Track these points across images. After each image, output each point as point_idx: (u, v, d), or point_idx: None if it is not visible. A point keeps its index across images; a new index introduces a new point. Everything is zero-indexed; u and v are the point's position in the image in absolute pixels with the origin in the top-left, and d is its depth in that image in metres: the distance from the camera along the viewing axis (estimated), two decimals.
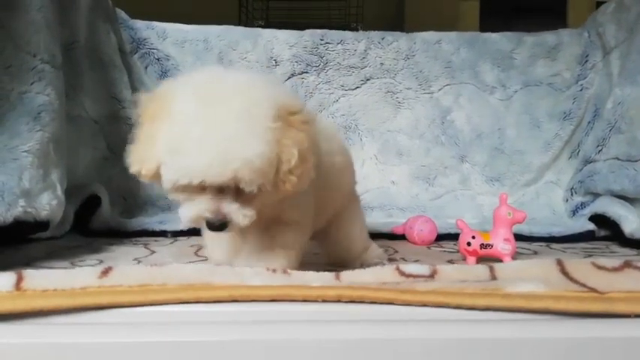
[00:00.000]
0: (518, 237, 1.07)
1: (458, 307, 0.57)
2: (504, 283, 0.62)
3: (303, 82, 1.60)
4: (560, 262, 0.67)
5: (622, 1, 1.47)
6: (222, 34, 1.59)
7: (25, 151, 0.91)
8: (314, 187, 0.74)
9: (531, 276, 0.65)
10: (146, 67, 1.54)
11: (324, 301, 0.58)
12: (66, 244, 1.09)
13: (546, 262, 0.68)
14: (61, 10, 1.13)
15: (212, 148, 0.58)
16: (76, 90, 1.25)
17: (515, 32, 1.65)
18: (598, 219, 1.32)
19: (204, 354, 0.52)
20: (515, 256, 0.98)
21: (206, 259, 0.89)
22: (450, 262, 0.98)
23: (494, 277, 0.66)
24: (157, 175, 0.64)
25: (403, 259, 1.03)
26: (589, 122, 1.52)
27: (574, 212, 1.46)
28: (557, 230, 1.32)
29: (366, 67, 1.62)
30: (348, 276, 0.66)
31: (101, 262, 0.91)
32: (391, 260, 1.00)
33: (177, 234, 1.25)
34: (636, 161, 1.25)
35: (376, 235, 1.19)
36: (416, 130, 1.61)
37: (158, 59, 1.54)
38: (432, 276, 0.67)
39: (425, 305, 0.58)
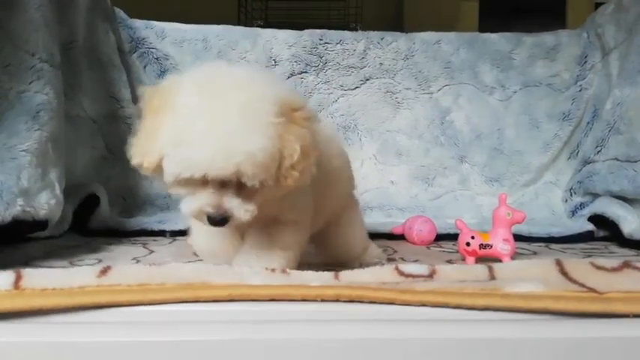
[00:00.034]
0: (518, 237, 1.07)
1: (457, 307, 0.57)
2: (503, 283, 0.62)
3: (302, 81, 1.60)
4: (559, 262, 0.67)
5: (621, 2, 1.47)
6: (222, 34, 1.59)
7: (24, 150, 0.91)
8: (313, 188, 0.75)
9: (530, 276, 0.65)
10: (145, 67, 1.54)
11: (322, 300, 0.58)
12: (65, 244, 1.08)
13: (545, 262, 0.69)
14: (60, 9, 1.13)
15: (215, 141, 0.58)
16: (74, 89, 1.25)
17: (515, 33, 1.65)
18: (597, 219, 1.32)
19: (203, 353, 0.52)
20: (515, 256, 0.98)
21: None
22: (449, 262, 0.98)
23: (493, 277, 0.67)
24: (158, 169, 0.64)
25: (402, 259, 1.03)
26: (588, 123, 1.52)
27: (573, 213, 1.46)
28: (557, 231, 1.32)
29: (365, 67, 1.62)
30: (347, 276, 0.66)
31: (100, 261, 0.91)
32: (390, 260, 1.00)
33: (176, 234, 1.25)
34: (635, 162, 1.25)
35: (375, 235, 1.19)
36: (415, 130, 1.61)
37: (157, 59, 1.54)
38: (431, 276, 0.67)
39: (424, 305, 0.58)
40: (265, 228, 0.75)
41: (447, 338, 0.53)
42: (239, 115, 0.60)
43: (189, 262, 0.79)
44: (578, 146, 1.55)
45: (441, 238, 1.27)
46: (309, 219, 0.78)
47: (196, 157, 0.59)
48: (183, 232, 1.23)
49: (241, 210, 0.63)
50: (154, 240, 1.19)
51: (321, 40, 1.61)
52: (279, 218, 0.75)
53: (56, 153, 1.01)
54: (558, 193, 1.55)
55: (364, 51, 1.62)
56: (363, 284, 0.62)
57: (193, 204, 0.63)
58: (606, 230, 1.31)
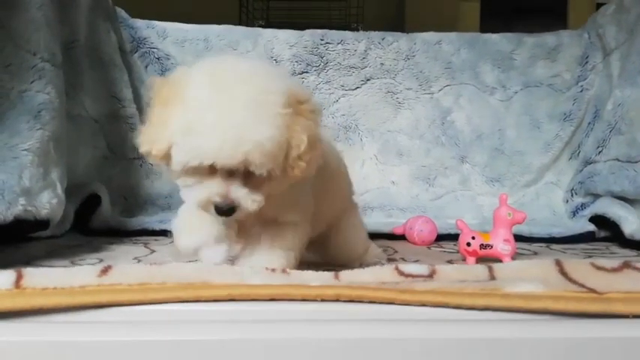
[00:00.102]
0: (518, 238, 1.08)
1: (457, 307, 0.57)
2: (503, 283, 0.62)
3: (303, 81, 1.60)
4: (559, 263, 0.67)
5: (622, 3, 1.47)
6: (223, 34, 1.59)
7: (25, 150, 0.91)
8: (313, 194, 0.75)
9: (530, 276, 0.65)
10: (146, 67, 1.54)
11: (322, 300, 0.58)
12: (66, 243, 1.09)
13: (545, 263, 0.69)
14: (61, 8, 1.13)
15: (224, 131, 0.59)
16: (76, 89, 1.25)
17: (516, 33, 1.65)
18: (598, 220, 1.32)
19: (203, 353, 0.52)
20: (515, 256, 0.98)
21: None
22: (450, 262, 0.98)
23: (493, 277, 0.66)
24: (166, 157, 0.65)
25: (403, 259, 1.03)
26: (589, 123, 1.52)
27: (574, 213, 1.46)
28: (557, 231, 1.32)
29: (366, 67, 1.62)
30: (347, 275, 0.66)
31: (101, 260, 0.91)
32: (391, 260, 1.00)
33: None
34: (636, 162, 1.25)
35: (376, 236, 1.19)
36: (416, 130, 1.61)
37: (158, 58, 1.54)
38: (431, 276, 0.67)
39: (424, 305, 0.58)
40: (265, 228, 0.75)
41: (447, 338, 0.53)
42: (247, 106, 0.61)
43: (189, 261, 0.79)
44: (579, 147, 1.54)
45: (441, 238, 1.28)
46: (309, 220, 0.79)
47: (205, 145, 0.60)
48: None
49: (248, 200, 0.63)
50: (155, 239, 1.19)
51: (322, 40, 1.61)
52: (280, 219, 0.75)
53: (58, 152, 1.01)
54: (559, 193, 1.55)
55: (365, 51, 1.62)
56: (363, 284, 0.62)
57: (202, 193, 0.64)
58: (607, 231, 1.31)
